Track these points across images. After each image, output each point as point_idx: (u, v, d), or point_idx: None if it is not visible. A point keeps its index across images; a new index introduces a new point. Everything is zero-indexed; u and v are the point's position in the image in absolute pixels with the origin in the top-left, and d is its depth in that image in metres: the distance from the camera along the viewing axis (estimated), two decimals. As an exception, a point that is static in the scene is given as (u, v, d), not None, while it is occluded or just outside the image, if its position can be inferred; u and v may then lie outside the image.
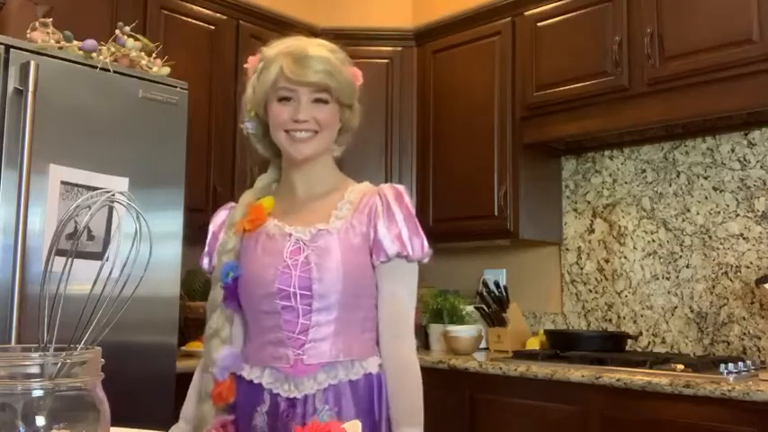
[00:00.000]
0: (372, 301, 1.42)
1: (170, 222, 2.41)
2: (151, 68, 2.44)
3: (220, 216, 1.54)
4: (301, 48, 1.41)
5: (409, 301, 1.43)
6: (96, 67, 2.28)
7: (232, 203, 1.55)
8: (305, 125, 1.40)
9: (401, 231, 1.39)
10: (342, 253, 1.37)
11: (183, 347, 2.76)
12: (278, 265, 1.38)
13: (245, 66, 1.50)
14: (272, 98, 1.42)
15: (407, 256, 1.39)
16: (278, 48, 1.43)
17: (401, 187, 1.46)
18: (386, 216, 1.40)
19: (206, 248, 1.53)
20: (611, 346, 2.85)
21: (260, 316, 1.41)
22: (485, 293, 3.28)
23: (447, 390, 2.78)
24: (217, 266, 1.44)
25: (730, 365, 2.29)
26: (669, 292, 2.96)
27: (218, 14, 3.19)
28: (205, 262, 1.53)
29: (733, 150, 2.83)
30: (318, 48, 1.42)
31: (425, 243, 1.41)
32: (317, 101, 1.41)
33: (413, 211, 1.44)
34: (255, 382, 1.39)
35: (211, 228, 1.54)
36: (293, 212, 1.45)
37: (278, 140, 1.44)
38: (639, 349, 3.00)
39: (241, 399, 1.40)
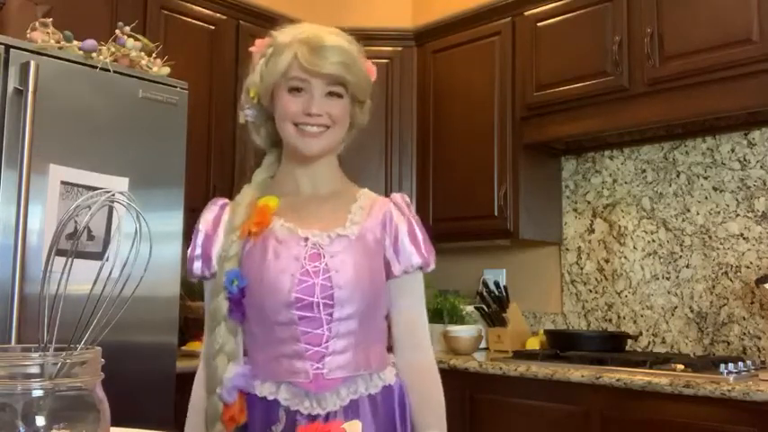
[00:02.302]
0: (384, 311, 1.38)
1: (170, 222, 2.41)
2: (151, 68, 2.44)
3: (211, 213, 1.38)
4: (318, 36, 1.30)
5: (424, 311, 1.42)
6: (96, 67, 2.28)
7: (222, 200, 1.41)
8: (317, 119, 1.30)
9: (420, 241, 1.37)
10: (362, 260, 1.31)
11: (183, 347, 2.76)
12: (294, 271, 1.27)
13: (250, 49, 1.40)
14: (281, 87, 1.32)
15: (425, 267, 1.38)
16: (291, 33, 1.33)
17: (407, 197, 1.44)
18: (407, 226, 1.37)
19: (196, 251, 1.35)
20: (611, 346, 2.85)
21: (273, 327, 1.28)
22: (485, 293, 3.28)
23: (447, 390, 2.76)
24: (219, 274, 1.30)
25: (730, 365, 2.29)
26: (669, 292, 2.96)
27: (218, 14, 3.19)
28: (196, 266, 1.35)
29: (733, 150, 2.83)
30: (336, 37, 1.32)
31: (434, 254, 1.40)
32: (331, 94, 1.32)
33: (419, 220, 1.42)
34: (270, 398, 1.28)
35: (202, 227, 1.36)
36: (300, 212, 1.35)
37: (285, 133, 1.33)
38: (639, 349, 3.00)
39: (253, 418, 1.29)
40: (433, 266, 1.39)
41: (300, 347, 1.27)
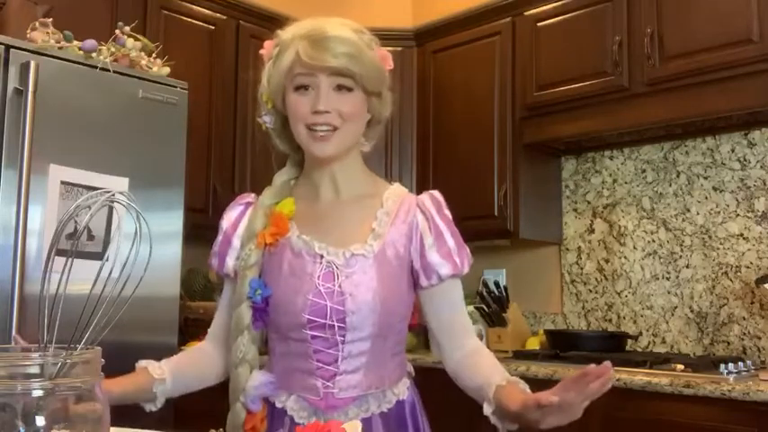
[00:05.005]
0: (405, 323, 1.33)
1: (170, 222, 2.41)
2: (151, 68, 2.44)
3: (234, 212, 1.37)
4: (320, 28, 1.23)
5: (465, 312, 1.36)
6: (96, 67, 2.28)
7: (249, 197, 1.39)
8: (326, 117, 1.22)
9: (450, 249, 1.29)
10: (378, 282, 1.24)
11: (183, 347, 2.76)
12: (307, 292, 1.24)
13: (260, 52, 1.34)
14: (288, 87, 1.25)
15: (458, 274, 1.30)
16: (294, 29, 1.27)
17: (438, 195, 1.35)
18: (434, 235, 1.29)
19: (216, 247, 1.36)
20: (611, 346, 2.85)
21: (287, 341, 1.28)
22: (485, 293, 3.28)
23: (447, 390, 2.77)
24: (241, 283, 1.28)
25: (730, 365, 2.30)
26: (669, 292, 2.96)
27: (218, 14, 3.19)
28: (214, 263, 1.36)
29: (733, 150, 2.83)
30: (340, 27, 1.25)
31: (469, 252, 1.32)
32: (340, 88, 1.23)
33: (451, 219, 1.33)
34: (278, 406, 1.27)
35: (224, 225, 1.36)
36: (320, 221, 1.30)
37: (298, 136, 1.26)
38: (639, 349, 3.00)
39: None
40: (465, 270, 1.31)
41: (312, 365, 1.25)
